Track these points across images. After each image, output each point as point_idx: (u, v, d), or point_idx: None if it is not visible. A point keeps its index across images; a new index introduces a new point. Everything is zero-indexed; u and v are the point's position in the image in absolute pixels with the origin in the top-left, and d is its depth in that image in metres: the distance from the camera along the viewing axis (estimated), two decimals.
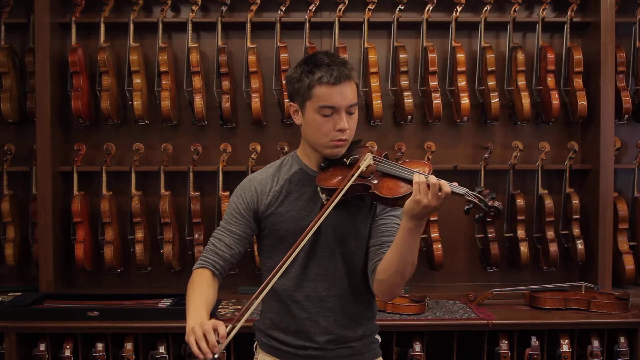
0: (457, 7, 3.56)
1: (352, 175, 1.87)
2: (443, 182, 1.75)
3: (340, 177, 1.91)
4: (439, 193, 1.74)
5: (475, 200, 1.75)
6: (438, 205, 1.75)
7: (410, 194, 1.77)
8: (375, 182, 1.88)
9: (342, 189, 1.87)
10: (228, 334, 1.76)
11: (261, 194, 2.01)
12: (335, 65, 1.91)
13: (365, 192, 1.89)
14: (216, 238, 2.03)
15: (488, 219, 1.87)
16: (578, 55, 3.55)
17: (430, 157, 3.57)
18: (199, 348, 1.72)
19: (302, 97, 1.93)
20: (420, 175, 1.77)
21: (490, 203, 1.75)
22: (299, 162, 2.04)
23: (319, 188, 1.94)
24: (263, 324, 2.09)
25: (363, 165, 1.89)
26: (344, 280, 1.99)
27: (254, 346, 2.15)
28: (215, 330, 1.74)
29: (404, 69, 3.52)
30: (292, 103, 1.99)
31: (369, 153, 1.94)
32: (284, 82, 3.44)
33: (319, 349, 2.00)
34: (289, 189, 2.00)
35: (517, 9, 3.58)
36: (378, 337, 2.12)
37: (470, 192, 1.77)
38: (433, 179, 1.75)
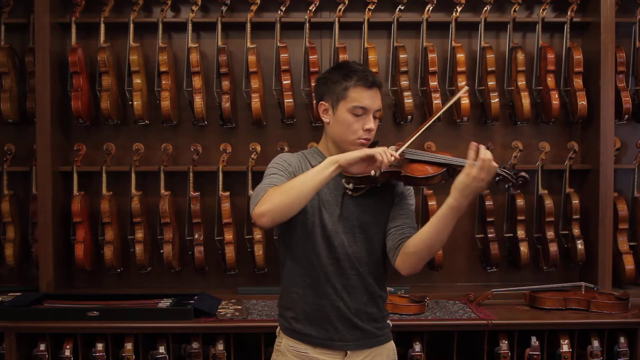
0: (457, 7, 3.56)
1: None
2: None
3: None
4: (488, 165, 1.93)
5: (503, 174, 2.01)
6: (486, 178, 1.94)
7: (438, 175, 2.05)
8: (405, 167, 2.09)
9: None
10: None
11: (297, 169, 2.16)
12: (369, 72, 2.14)
13: (397, 177, 2.09)
14: (274, 182, 2.06)
15: (517, 189, 2.10)
16: (578, 55, 3.55)
17: None
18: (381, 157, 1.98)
19: (337, 97, 2.12)
20: (478, 150, 1.96)
21: (517, 175, 2.01)
22: (321, 155, 2.19)
23: (343, 179, 2.11)
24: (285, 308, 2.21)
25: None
26: (363, 262, 2.14)
27: (277, 331, 2.25)
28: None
29: (404, 69, 3.52)
30: (322, 102, 2.17)
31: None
32: (284, 82, 3.49)
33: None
34: None
35: (517, 9, 3.58)
36: (389, 322, 2.27)
37: (499, 167, 2.01)
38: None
